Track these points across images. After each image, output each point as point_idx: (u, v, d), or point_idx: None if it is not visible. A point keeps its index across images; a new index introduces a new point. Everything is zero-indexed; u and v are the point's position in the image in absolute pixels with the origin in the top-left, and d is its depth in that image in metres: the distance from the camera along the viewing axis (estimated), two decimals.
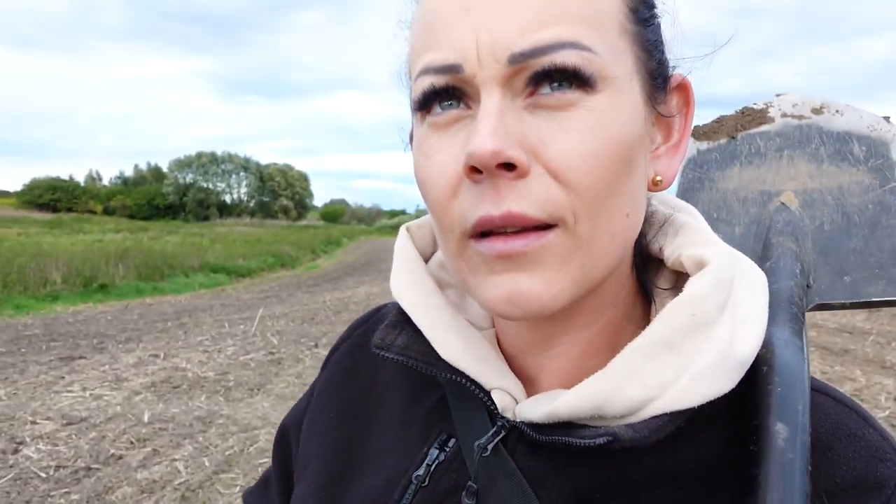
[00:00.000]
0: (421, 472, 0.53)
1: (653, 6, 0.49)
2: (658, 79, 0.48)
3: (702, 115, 0.53)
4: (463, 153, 0.42)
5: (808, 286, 0.56)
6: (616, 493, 0.47)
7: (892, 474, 0.44)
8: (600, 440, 0.43)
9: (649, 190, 0.49)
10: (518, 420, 0.49)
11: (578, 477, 0.48)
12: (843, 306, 0.58)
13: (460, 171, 0.43)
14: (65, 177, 73.98)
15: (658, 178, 0.49)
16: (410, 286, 0.56)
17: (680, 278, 0.52)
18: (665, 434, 0.42)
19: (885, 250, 0.57)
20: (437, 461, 0.54)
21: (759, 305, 0.47)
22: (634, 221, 0.47)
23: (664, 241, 0.52)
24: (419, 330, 0.54)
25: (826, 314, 9.90)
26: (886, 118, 0.62)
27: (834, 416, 0.47)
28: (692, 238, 0.50)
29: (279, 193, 79.19)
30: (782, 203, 0.60)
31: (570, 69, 0.41)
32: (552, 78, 0.42)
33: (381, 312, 0.70)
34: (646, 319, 0.53)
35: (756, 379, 0.46)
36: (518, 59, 0.41)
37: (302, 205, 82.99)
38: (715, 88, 0.52)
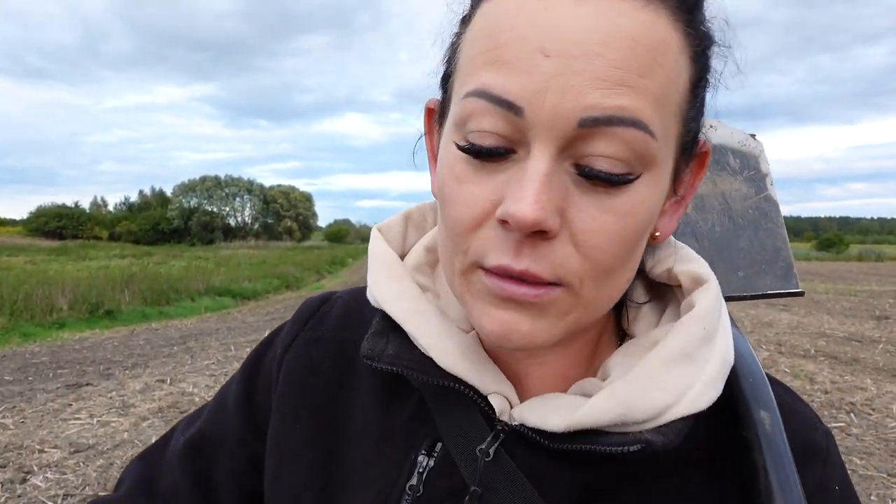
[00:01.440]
0: (414, 481, 0.52)
1: (706, 76, 0.47)
2: (688, 150, 0.48)
3: None
4: (498, 196, 0.42)
5: None
6: (618, 488, 0.50)
7: (823, 440, 0.53)
8: (633, 447, 0.45)
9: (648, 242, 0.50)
10: (517, 423, 0.50)
11: (581, 474, 0.50)
12: (742, 298, 0.65)
13: (491, 211, 0.43)
14: (70, 204, 74.67)
15: (657, 233, 0.50)
16: (399, 293, 0.55)
17: (655, 288, 0.56)
18: (684, 436, 0.46)
19: (767, 249, 0.66)
20: (427, 467, 0.53)
21: (726, 312, 0.52)
22: (631, 277, 0.48)
23: (645, 255, 0.54)
24: (406, 336, 0.54)
25: (834, 324, 9.85)
26: (752, 135, 0.69)
27: (775, 394, 0.52)
28: (675, 252, 0.54)
29: (283, 215, 79.47)
30: None
31: (627, 156, 0.41)
32: (606, 161, 0.41)
33: (329, 303, 0.66)
34: (616, 326, 0.57)
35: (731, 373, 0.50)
36: (589, 124, 0.39)
37: (306, 226, 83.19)
38: (712, 102, 0.50)
